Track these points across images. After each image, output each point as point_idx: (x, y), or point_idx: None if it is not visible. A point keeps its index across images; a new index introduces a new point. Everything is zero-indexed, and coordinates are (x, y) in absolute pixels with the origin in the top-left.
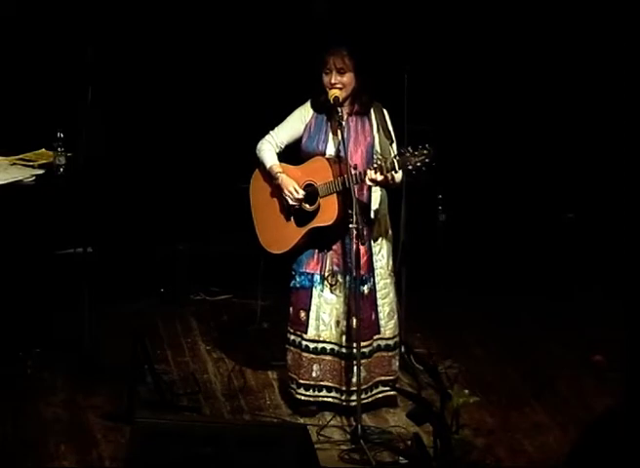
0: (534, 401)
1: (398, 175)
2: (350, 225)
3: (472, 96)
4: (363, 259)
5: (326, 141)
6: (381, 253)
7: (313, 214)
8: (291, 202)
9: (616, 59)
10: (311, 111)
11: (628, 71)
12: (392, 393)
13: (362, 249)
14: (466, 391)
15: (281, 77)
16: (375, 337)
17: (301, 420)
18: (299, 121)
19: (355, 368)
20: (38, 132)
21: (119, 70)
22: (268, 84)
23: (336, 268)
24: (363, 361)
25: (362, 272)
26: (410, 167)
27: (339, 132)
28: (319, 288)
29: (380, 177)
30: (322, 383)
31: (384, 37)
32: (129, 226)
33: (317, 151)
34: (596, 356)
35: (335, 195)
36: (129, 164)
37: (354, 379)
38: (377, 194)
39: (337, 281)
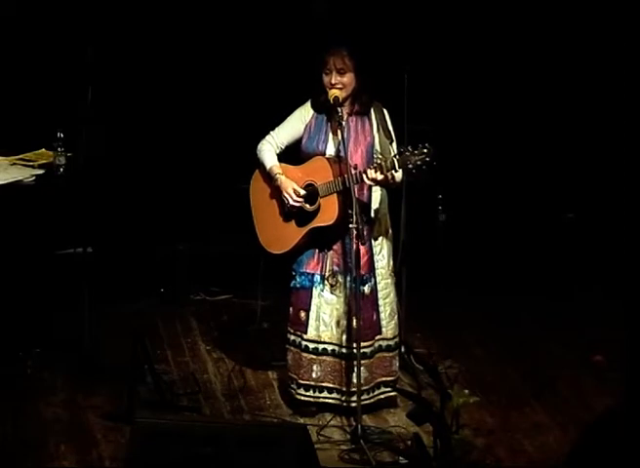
0: (534, 401)
1: (398, 175)
2: (350, 225)
3: (472, 95)
4: (363, 259)
5: (326, 141)
6: (382, 253)
7: (313, 215)
8: (290, 204)
9: (615, 59)
10: (311, 111)
11: (628, 71)
12: (393, 393)
13: (362, 249)
14: (466, 391)
15: (281, 77)
16: (376, 338)
17: (301, 420)
18: (299, 121)
19: (356, 368)
20: (38, 132)
21: (119, 70)
22: (268, 84)
23: (336, 268)
24: (364, 361)
25: (363, 272)
26: (410, 166)
27: (339, 132)
28: (319, 288)
29: (380, 177)
30: (322, 384)
31: (384, 37)
32: (129, 226)
33: (317, 151)
34: (596, 356)
35: (335, 195)
36: (129, 164)
37: (355, 380)
38: (377, 194)
39: (337, 281)
